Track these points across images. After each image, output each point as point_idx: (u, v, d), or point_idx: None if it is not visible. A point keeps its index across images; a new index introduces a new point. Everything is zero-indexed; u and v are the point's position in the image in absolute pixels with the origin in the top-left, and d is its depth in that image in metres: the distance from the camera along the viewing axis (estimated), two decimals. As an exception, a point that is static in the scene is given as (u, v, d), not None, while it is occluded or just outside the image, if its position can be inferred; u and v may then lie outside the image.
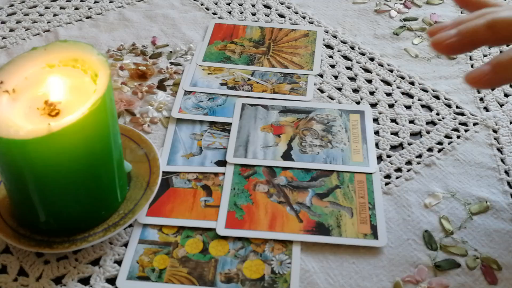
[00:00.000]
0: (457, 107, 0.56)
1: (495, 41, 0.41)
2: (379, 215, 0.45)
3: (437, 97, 0.57)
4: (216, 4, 0.71)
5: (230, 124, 0.54)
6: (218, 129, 0.53)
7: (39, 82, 0.40)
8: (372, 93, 0.58)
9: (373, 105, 0.56)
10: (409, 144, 0.52)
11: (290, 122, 0.54)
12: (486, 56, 0.62)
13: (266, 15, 0.69)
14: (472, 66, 0.61)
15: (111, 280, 0.42)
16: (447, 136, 0.53)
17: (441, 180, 0.49)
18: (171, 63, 0.61)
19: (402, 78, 0.59)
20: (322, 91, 0.58)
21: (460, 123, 0.54)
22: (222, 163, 0.50)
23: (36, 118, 0.38)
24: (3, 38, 0.65)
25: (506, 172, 0.49)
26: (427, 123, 0.54)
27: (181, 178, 0.49)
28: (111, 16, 0.69)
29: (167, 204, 0.46)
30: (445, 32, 0.42)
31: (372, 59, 0.62)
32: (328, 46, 0.64)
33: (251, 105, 0.55)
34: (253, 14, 0.69)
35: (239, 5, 0.71)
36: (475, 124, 0.54)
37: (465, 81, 0.40)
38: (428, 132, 0.53)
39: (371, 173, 0.49)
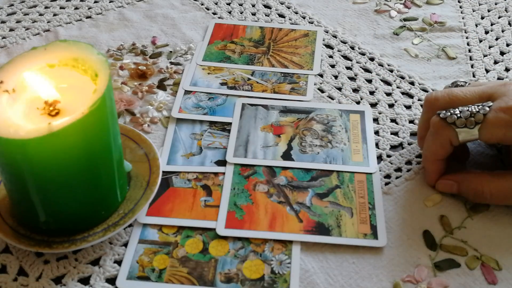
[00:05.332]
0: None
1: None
2: (379, 215, 0.45)
3: (437, 97, 0.57)
4: (216, 4, 0.71)
5: (230, 124, 0.54)
6: (218, 128, 0.53)
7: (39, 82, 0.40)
8: (372, 93, 0.58)
9: (373, 105, 0.56)
10: (409, 144, 0.52)
11: (290, 122, 0.54)
12: (486, 56, 0.62)
13: (266, 15, 0.69)
14: (472, 66, 0.61)
15: (111, 280, 0.42)
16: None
17: (441, 180, 0.49)
18: (171, 63, 0.61)
19: (402, 78, 0.59)
20: (322, 91, 0.58)
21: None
22: (222, 163, 0.50)
23: (36, 118, 0.38)
24: (3, 37, 0.65)
25: (506, 172, 0.49)
26: (427, 123, 0.54)
27: (181, 178, 0.49)
28: (111, 16, 0.69)
29: (167, 204, 0.46)
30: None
31: (372, 59, 0.62)
32: (328, 46, 0.64)
33: (251, 105, 0.55)
34: (253, 14, 0.69)
35: (239, 5, 0.71)
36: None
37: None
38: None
39: (371, 173, 0.49)
